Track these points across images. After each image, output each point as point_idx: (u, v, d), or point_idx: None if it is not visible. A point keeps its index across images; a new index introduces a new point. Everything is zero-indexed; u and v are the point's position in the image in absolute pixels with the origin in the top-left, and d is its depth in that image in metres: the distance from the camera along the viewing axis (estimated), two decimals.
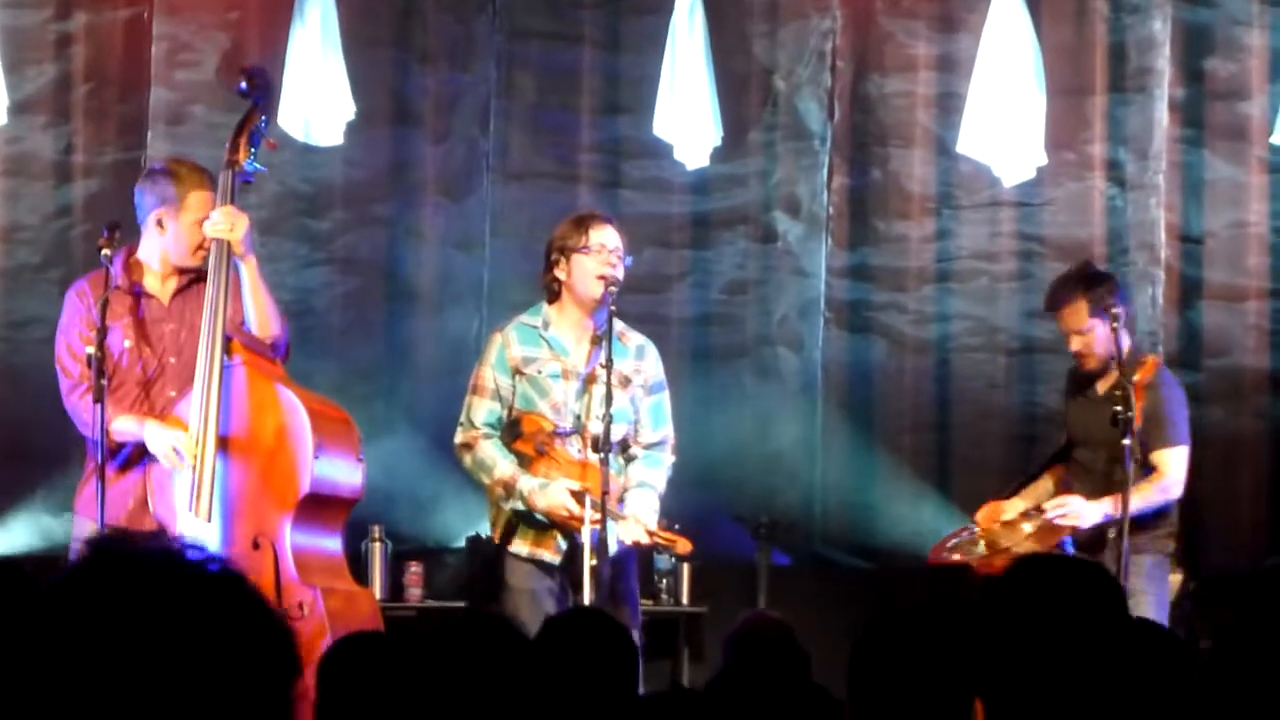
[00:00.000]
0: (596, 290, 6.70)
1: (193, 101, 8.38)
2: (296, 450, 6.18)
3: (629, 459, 6.84)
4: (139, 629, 1.85)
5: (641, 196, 8.85)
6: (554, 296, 6.82)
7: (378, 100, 8.58)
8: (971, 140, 8.69)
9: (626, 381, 6.80)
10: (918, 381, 8.94)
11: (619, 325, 6.73)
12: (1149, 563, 7.05)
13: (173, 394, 6.35)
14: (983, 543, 7.23)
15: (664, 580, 8.50)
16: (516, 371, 6.75)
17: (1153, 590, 7.07)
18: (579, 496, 6.52)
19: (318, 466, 6.18)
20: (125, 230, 6.45)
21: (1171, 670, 3.71)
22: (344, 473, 6.32)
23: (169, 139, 8.29)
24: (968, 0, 8.89)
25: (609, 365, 6.56)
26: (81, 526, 6.38)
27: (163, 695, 1.83)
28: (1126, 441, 6.79)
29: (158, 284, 6.44)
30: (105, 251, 6.26)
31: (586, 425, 6.70)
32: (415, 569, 8.40)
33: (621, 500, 6.71)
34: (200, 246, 6.37)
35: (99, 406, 6.04)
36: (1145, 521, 6.97)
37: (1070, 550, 6.96)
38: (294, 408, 6.21)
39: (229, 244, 6.27)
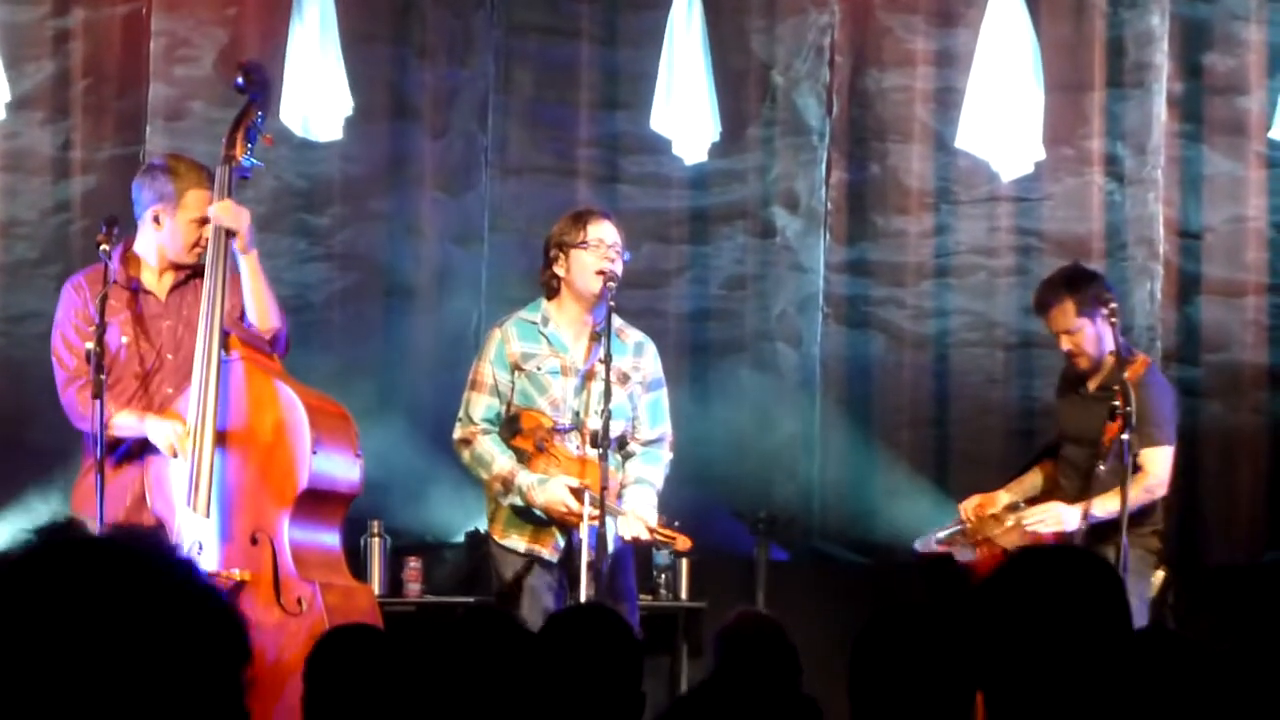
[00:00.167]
0: (595, 286, 6.70)
1: (191, 97, 8.37)
2: (295, 446, 6.18)
3: (626, 456, 6.84)
4: (83, 615, 1.84)
5: (640, 192, 8.85)
6: (553, 292, 6.82)
7: (376, 95, 8.58)
8: (970, 135, 8.70)
9: (625, 378, 6.80)
10: (916, 376, 8.94)
11: (617, 322, 6.73)
12: (1132, 558, 7.07)
13: (170, 391, 6.35)
14: (967, 533, 7.29)
15: (663, 576, 8.50)
16: (516, 367, 6.75)
17: (1131, 586, 7.08)
18: (578, 493, 6.53)
19: (316, 462, 6.18)
20: (123, 225, 6.45)
21: (1171, 664, 3.71)
22: (342, 468, 6.32)
23: (167, 134, 8.28)
24: None
25: (607, 361, 6.56)
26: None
27: (107, 680, 1.82)
28: (1126, 436, 6.82)
29: (154, 280, 6.44)
30: (104, 247, 6.26)
31: (585, 421, 6.70)
32: (414, 564, 8.40)
33: (619, 497, 6.71)
34: (197, 244, 6.37)
35: (98, 402, 6.04)
36: (1130, 518, 6.99)
37: None
38: (292, 403, 6.21)
39: (227, 238, 6.27)
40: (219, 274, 6.25)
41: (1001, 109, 8.63)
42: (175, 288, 6.44)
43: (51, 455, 7.60)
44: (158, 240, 6.41)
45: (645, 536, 6.64)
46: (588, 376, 6.74)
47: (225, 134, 6.46)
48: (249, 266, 6.32)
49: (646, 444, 6.87)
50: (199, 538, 6.14)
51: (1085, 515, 6.99)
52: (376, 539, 8.27)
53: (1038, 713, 2.84)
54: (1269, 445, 8.87)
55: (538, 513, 6.64)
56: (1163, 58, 8.85)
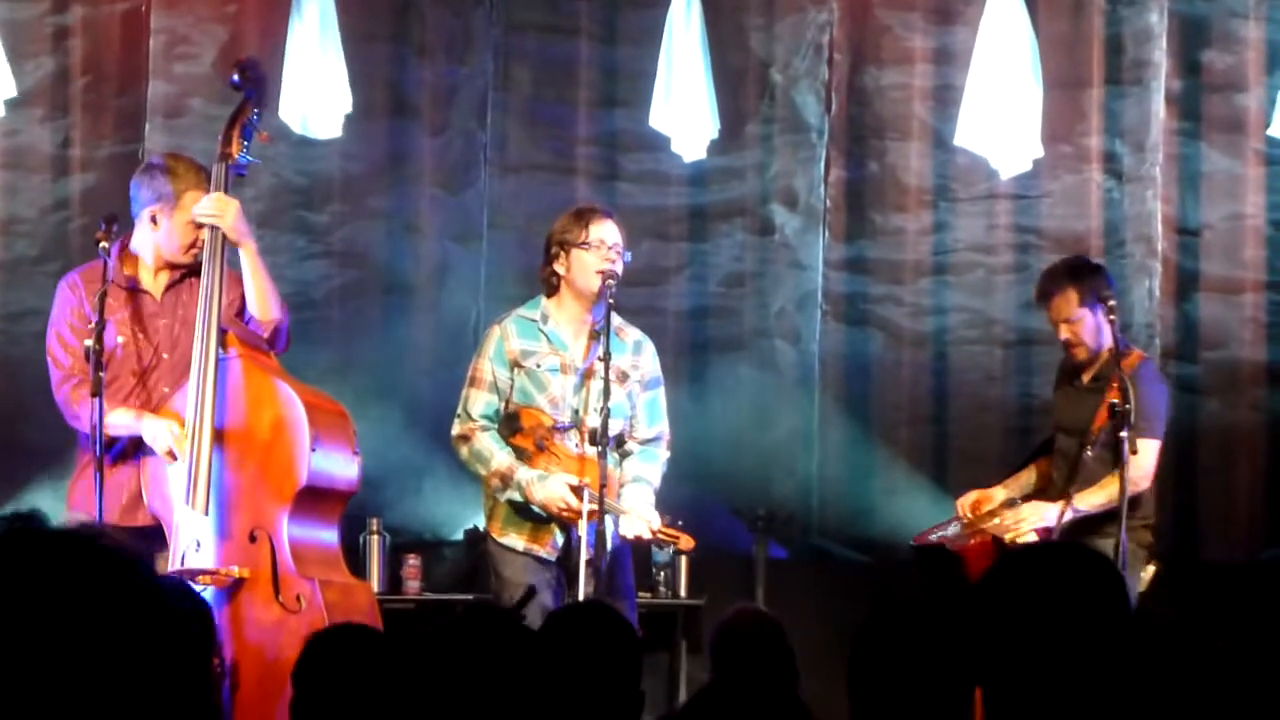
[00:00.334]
0: (595, 285, 6.70)
1: (191, 95, 8.38)
2: (294, 443, 6.19)
3: (624, 454, 6.84)
4: (36, 603, 1.85)
5: (639, 189, 8.85)
6: (552, 290, 6.82)
7: (375, 93, 8.59)
8: (968, 133, 8.70)
9: (624, 377, 6.80)
10: (915, 374, 8.95)
11: (616, 320, 6.73)
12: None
13: (166, 390, 6.35)
14: (961, 527, 7.34)
15: (662, 573, 8.51)
16: (515, 364, 6.76)
17: None
18: (578, 492, 6.53)
19: (315, 459, 6.18)
20: (122, 223, 6.45)
21: (1170, 659, 3.72)
22: (340, 466, 6.33)
23: (167, 132, 8.29)
24: None
25: (606, 359, 6.56)
26: (74, 521, 6.37)
27: (69, 673, 1.83)
28: (1124, 434, 6.84)
29: (150, 278, 6.44)
30: (103, 244, 6.25)
31: (584, 419, 6.70)
32: (413, 561, 8.40)
33: (618, 495, 6.71)
34: (193, 245, 6.36)
35: (98, 400, 6.03)
36: (1116, 511, 6.99)
37: None
38: (291, 401, 6.21)
39: (223, 236, 6.28)
40: (215, 271, 6.25)
41: (1000, 106, 8.63)
42: (171, 286, 6.44)
43: (49, 454, 7.60)
44: (154, 240, 6.41)
45: (648, 536, 6.65)
46: (587, 374, 6.74)
47: (221, 131, 6.46)
48: (245, 257, 6.33)
49: (644, 443, 6.87)
50: (197, 535, 6.14)
51: (1062, 514, 6.99)
52: (375, 536, 8.27)
53: (1038, 710, 2.84)
54: (1267, 442, 8.87)
55: (536, 510, 6.64)
56: (1161, 55, 8.85)
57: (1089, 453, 7.02)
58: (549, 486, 6.58)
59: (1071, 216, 8.89)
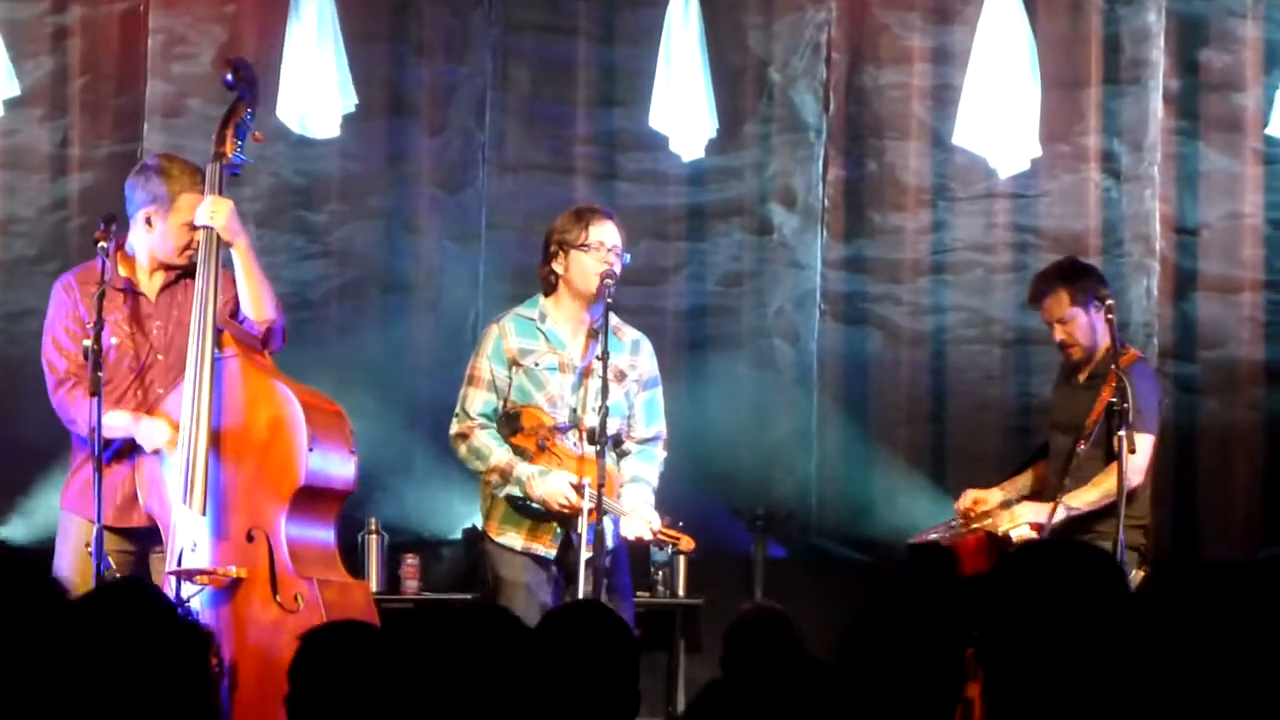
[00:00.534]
0: (593, 286, 6.70)
1: (189, 94, 8.38)
2: (291, 443, 6.19)
3: (622, 454, 6.84)
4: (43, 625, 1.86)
5: (637, 189, 8.85)
6: (551, 289, 6.82)
7: (374, 92, 8.59)
8: (966, 132, 8.69)
9: (622, 376, 6.80)
10: (913, 373, 8.95)
11: (614, 319, 6.73)
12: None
13: (161, 391, 6.34)
14: (957, 526, 7.35)
15: (660, 572, 8.51)
16: (513, 363, 6.75)
17: None
18: (578, 489, 6.52)
19: (312, 459, 6.18)
20: (121, 223, 6.45)
21: (1169, 655, 3.72)
22: (337, 465, 6.33)
23: (165, 131, 8.29)
24: None
25: (605, 359, 6.56)
26: (67, 521, 6.37)
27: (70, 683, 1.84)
28: (1122, 433, 6.84)
29: (145, 279, 6.44)
30: (102, 244, 6.25)
31: (582, 418, 6.70)
32: (411, 561, 8.41)
33: (617, 495, 6.70)
34: (188, 247, 6.36)
35: (96, 399, 6.03)
36: (1109, 507, 6.99)
37: None
38: (288, 400, 6.22)
39: (218, 236, 6.27)
40: (210, 272, 6.25)
41: (998, 106, 8.62)
42: (166, 287, 6.43)
43: (48, 453, 7.61)
44: (149, 241, 6.41)
45: (649, 537, 6.64)
46: (585, 373, 6.74)
47: (215, 131, 6.47)
48: (237, 255, 6.32)
49: (641, 442, 6.87)
50: (194, 535, 6.14)
51: (1053, 513, 6.99)
52: (374, 536, 8.28)
53: (1040, 705, 2.85)
54: (1265, 441, 8.87)
55: (535, 507, 6.64)
56: (1159, 54, 8.85)
57: (1082, 447, 7.03)
58: (549, 482, 6.58)
59: (1070, 216, 8.89)
